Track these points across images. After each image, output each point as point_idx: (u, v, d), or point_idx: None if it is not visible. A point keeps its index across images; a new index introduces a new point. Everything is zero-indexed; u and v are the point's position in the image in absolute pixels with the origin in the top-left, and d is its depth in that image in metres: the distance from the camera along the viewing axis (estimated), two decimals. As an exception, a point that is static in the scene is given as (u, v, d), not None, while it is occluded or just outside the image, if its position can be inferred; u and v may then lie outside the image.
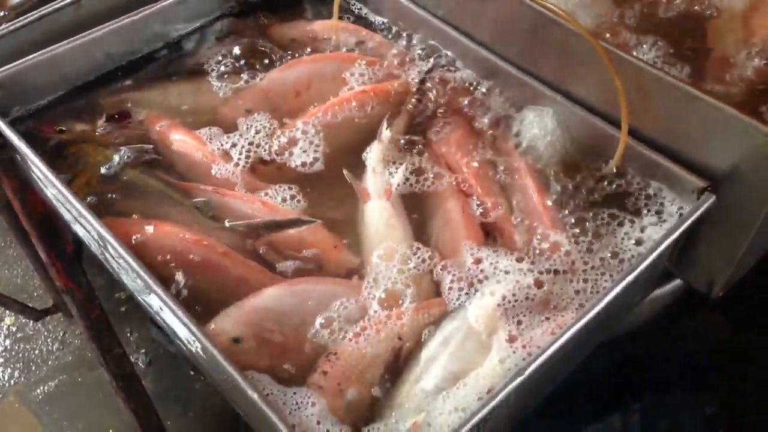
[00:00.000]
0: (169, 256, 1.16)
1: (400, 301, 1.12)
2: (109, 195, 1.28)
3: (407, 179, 1.29)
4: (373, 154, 1.31)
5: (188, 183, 1.28)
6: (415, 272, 1.16)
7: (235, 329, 1.08)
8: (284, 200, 1.26)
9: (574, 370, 1.26)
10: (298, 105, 1.40)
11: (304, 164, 1.31)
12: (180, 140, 1.34)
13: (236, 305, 1.11)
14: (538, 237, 1.18)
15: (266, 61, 1.47)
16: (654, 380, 1.89)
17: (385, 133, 1.32)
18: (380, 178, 1.28)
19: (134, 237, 1.19)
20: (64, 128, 1.35)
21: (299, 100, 1.41)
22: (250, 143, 1.34)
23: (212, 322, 1.09)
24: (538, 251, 1.17)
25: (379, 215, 1.23)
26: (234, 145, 1.33)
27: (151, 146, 1.34)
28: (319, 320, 1.10)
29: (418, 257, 1.18)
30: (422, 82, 1.41)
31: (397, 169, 1.29)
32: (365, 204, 1.25)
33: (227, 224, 1.21)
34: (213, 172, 1.30)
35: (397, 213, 1.23)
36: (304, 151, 1.32)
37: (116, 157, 1.32)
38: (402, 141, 1.34)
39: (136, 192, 1.28)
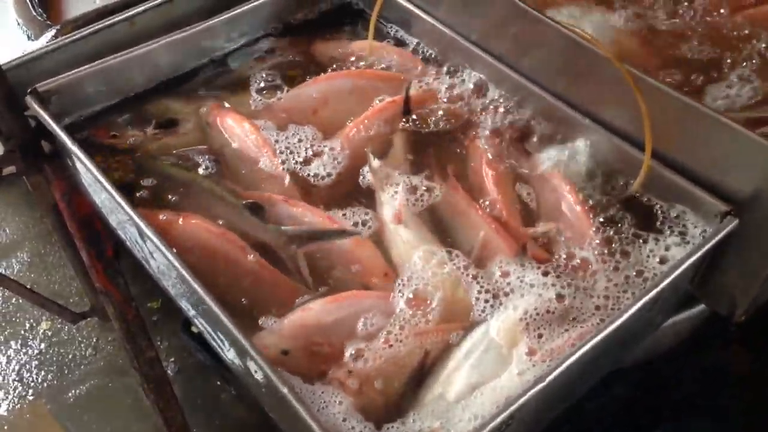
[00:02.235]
0: (194, 248, 1.22)
1: (428, 301, 1.16)
2: (166, 196, 1.34)
3: (417, 198, 1.31)
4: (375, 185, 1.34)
5: (254, 192, 1.33)
6: (447, 277, 1.19)
7: (284, 342, 1.11)
8: (356, 224, 1.29)
9: (596, 395, 1.28)
10: (317, 121, 1.45)
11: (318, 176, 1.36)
12: (236, 126, 1.41)
13: (285, 319, 1.15)
14: (567, 254, 1.21)
15: (308, 77, 1.53)
16: (675, 408, 1.88)
17: (374, 163, 1.35)
18: (386, 205, 1.30)
19: (162, 227, 1.24)
20: (117, 134, 1.41)
21: (317, 117, 1.45)
22: (287, 147, 1.39)
23: (260, 335, 1.13)
24: (568, 268, 1.20)
25: (396, 240, 1.25)
26: (276, 141, 1.40)
27: (205, 147, 1.41)
28: (361, 331, 1.14)
29: (455, 264, 1.21)
30: (406, 102, 1.44)
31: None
32: (384, 235, 1.27)
33: (281, 228, 1.25)
34: (261, 163, 1.36)
35: (416, 232, 1.26)
36: (323, 165, 1.37)
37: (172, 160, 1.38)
38: (409, 158, 1.38)
39: (189, 193, 1.34)
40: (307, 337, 1.12)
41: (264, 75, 1.53)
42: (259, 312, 1.17)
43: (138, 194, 1.34)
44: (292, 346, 1.11)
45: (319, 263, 1.24)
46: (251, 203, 1.28)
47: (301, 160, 1.38)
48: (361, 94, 1.47)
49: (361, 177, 1.36)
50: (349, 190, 1.35)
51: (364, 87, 1.49)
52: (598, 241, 1.22)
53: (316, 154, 1.38)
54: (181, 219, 1.27)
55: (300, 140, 1.41)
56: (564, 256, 1.21)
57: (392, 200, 1.30)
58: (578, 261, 1.20)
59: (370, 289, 1.21)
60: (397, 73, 1.53)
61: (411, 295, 1.17)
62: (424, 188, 1.32)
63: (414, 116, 1.44)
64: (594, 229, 1.24)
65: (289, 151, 1.39)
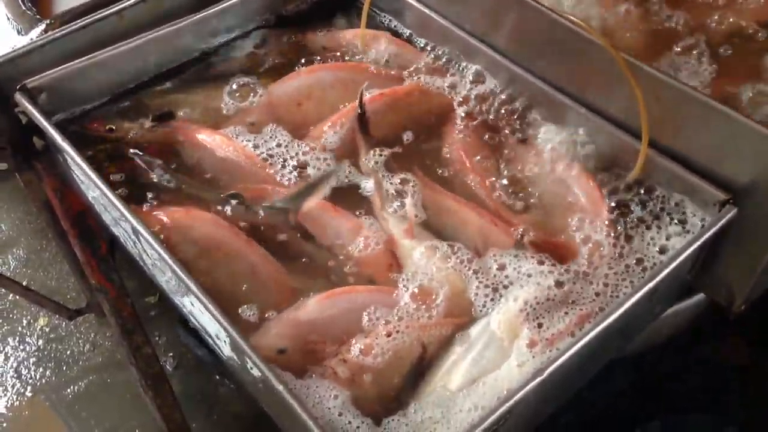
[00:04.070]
0: (198, 240, 1.22)
1: (433, 296, 1.15)
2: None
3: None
4: (374, 202, 1.31)
5: (251, 186, 1.31)
6: (451, 272, 1.18)
7: (281, 341, 1.10)
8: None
9: (595, 385, 1.27)
10: (301, 115, 1.43)
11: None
12: (208, 139, 1.38)
13: (279, 318, 1.14)
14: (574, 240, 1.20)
15: (297, 68, 1.51)
16: (674, 400, 1.88)
17: (381, 179, 1.32)
18: (393, 220, 1.27)
19: (164, 222, 1.24)
20: (113, 127, 1.39)
21: (301, 110, 1.44)
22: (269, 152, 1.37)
23: (257, 334, 1.12)
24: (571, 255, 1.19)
25: (413, 254, 1.21)
26: (256, 147, 1.37)
27: (160, 161, 1.37)
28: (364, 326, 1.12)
29: (458, 257, 1.20)
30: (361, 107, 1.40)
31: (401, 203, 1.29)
32: (397, 252, 1.23)
33: (261, 207, 1.26)
34: (245, 168, 1.34)
35: (426, 244, 1.23)
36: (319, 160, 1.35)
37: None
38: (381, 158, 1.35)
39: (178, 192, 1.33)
40: (303, 335, 1.11)
41: (254, 67, 1.52)
42: (259, 307, 1.16)
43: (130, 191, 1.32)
44: (288, 345, 1.10)
45: (319, 257, 1.23)
46: (232, 194, 1.27)
47: (292, 165, 1.36)
48: (344, 85, 1.45)
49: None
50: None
51: (347, 78, 1.47)
52: (607, 223, 1.21)
53: (303, 161, 1.36)
54: (187, 211, 1.26)
55: (279, 144, 1.38)
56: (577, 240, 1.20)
57: (399, 216, 1.27)
58: (589, 243, 1.19)
59: (374, 283, 1.19)
60: (379, 67, 1.51)
61: (416, 290, 1.16)
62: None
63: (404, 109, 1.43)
64: (607, 214, 1.23)
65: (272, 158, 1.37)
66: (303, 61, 1.54)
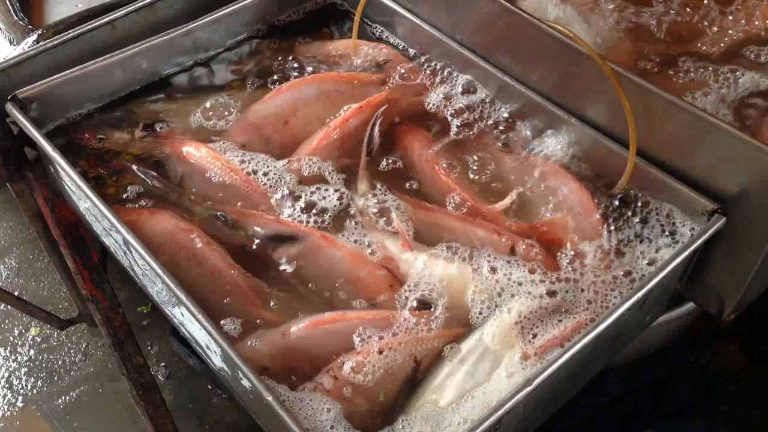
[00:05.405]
0: (163, 242, 1.22)
1: (433, 309, 1.15)
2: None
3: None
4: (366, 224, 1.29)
5: (247, 211, 1.29)
6: (455, 277, 1.17)
7: (264, 360, 1.10)
8: (356, 242, 1.25)
9: (588, 394, 1.27)
10: (290, 132, 1.42)
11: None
12: (195, 153, 1.37)
13: (265, 336, 1.13)
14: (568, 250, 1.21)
15: (291, 79, 1.51)
16: (668, 406, 1.89)
17: (359, 202, 1.31)
18: (387, 239, 1.25)
19: (133, 222, 1.24)
20: (103, 137, 1.39)
21: (289, 127, 1.42)
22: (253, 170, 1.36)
23: (241, 348, 1.11)
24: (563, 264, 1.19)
25: (418, 265, 1.21)
26: (243, 162, 1.36)
27: (152, 173, 1.36)
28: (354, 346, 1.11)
29: (459, 256, 1.20)
30: (372, 128, 1.39)
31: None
32: (398, 268, 1.22)
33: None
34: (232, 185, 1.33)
35: (425, 250, 1.23)
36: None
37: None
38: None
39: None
40: (286, 356, 1.11)
41: (245, 78, 1.52)
42: (224, 312, 1.16)
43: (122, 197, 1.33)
44: (271, 364, 1.10)
45: (320, 281, 1.21)
46: (220, 213, 1.28)
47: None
48: (329, 98, 1.44)
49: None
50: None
51: (331, 90, 1.46)
52: (598, 231, 1.22)
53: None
54: (151, 213, 1.27)
55: (265, 174, 1.35)
56: (567, 252, 1.21)
57: (390, 232, 1.26)
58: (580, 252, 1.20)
59: (375, 304, 1.18)
60: (363, 73, 1.51)
61: (415, 303, 1.15)
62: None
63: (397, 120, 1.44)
64: (598, 222, 1.23)
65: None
66: (294, 70, 1.54)
